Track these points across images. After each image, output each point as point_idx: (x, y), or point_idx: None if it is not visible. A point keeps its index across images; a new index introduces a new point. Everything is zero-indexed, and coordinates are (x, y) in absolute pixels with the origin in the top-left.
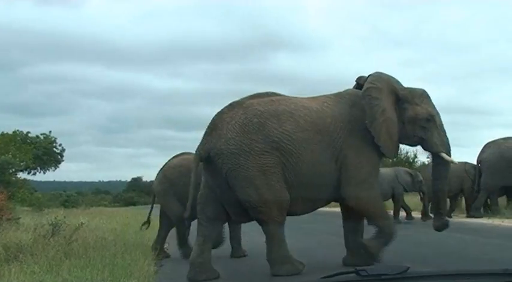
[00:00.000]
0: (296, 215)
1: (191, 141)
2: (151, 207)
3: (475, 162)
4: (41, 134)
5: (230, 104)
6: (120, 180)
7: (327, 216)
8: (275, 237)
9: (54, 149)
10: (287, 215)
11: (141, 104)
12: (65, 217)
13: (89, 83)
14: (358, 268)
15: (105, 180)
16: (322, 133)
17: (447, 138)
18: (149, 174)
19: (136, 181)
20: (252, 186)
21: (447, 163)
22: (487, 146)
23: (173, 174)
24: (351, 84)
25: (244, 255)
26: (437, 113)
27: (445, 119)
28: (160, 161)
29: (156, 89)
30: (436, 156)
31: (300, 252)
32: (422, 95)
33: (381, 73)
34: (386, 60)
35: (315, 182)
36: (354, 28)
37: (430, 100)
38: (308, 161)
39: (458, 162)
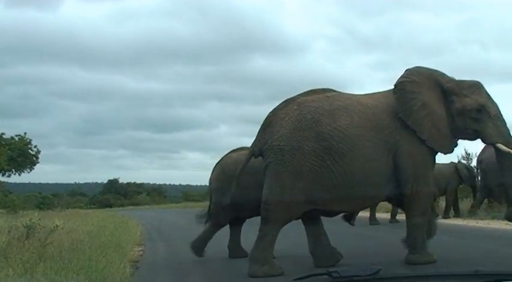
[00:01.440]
0: (348, 211)
1: (167, 142)
2: (210, 204)
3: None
4: (16, 136)
5: (285, 101)
6: (96, 182)
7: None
8: (267, 237)
9: (30, 150)
10: (338, 212)
11: (116, 105)
12: (40, 219)
13: (64, 84)
14: (330, 270)
15: (81, 182)
16: (376, 129)
17: (506, 128)
18: (126, 176)
19: (113, 183)
20: (278, 184)
21: (507, 154)
22: (488, 146)
23: (233, 170)
24: (327, 86)
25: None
26: (493, 103)
27: None
28: (136, 162)
29: (132, 90)
30: (495, 148)
31: (275, 252)
32: (473, 86)
33: (420, 67)
34: (359, 63)
35: (369, 180)
36: (328, 31)
37: (482, 90)
38: (360, 158)
39: (449, 163)
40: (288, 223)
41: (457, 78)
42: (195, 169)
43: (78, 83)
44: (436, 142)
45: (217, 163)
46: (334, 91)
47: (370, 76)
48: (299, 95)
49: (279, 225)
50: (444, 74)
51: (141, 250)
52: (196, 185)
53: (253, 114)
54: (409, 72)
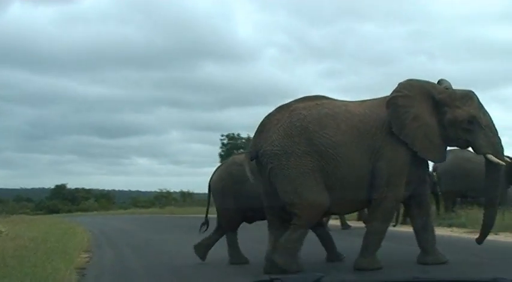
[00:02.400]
0: (339, 214)
1: (116, 148)
2: (208, 207)
3: None
4: None
5: (279, 107)
6: (43, 188)
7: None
8: (294, 237)
9: None
10: (328, 215)
11: (64, 109)
12: None
13: (10, 88)
14: (272, 277)
15: (28, 187)
16: (363, 136)
17: (497, 138)
18: (74, 182)
19: (60, 188)
20: (291, 186)
21: (497, 165)
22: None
23: (239, 170)
24: (277, 93)
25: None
26: (484, 113)
27: None
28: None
29: (80, 94)
30: (485, 159)
31: (223, 259)
32: (465, 97)
33: (411, 80)
34: (309, 71)
35: (355, 184)
36: (279, 39)
37: (474, 101)
38: (347, 164)
39: None
40: (317, 218)
41: None
42: (144, 175)
43: (24, 86)
44: (428, 153)
45: (220, 166)
46: (327, 98)
47: (320, 85)
48: (292, 101)
49: (308, 222)
50: (436, 84)
51: (88, 257)
52: (146, 191)
53: (204, 121)
54: (401, 87)
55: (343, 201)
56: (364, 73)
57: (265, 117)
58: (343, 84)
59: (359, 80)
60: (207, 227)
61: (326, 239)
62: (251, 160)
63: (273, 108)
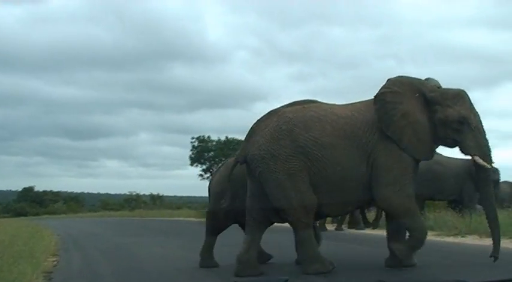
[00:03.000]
0: (329, 216)
1: (85, 150)
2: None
3: None
4: None
5: (269, 112)
6: (10, 190)
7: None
8: (303, 238)
9: None
10: (319, 217)
11: (32, 111)
12: None
13: None
14: (235, 280)
15: None
16: (350, 138)
17: (485, 141)
18: (42, 184)
19: (28, 191)
20: (280, 189)
21: (484, 168)
22: None
23: (240, 172)
24: (248, 96)
25: None
26: (475, 114)
27: None
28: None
29: (48, 96)
30: (473, 160)
31: (191, 263)
32: (457, 96)
33: (402, 77)
34: (279, 74)
35: (343, 186)
36: (249, 42)
37: (466, 101)
38: (335, 166)
39: None
40: (312, 218)
41: (373, 92)
42: (114, 177)
43: None
44: (415, 150)
45: (220, 166)
46: (316, 102)
47: (289, 87)
48: (281, 106)
49: (305, 224)
50: (427, 82)
51: (55, 260)
52: (115, 194)
53: (174, 123)
54: (390, 83)
55: (333, 203)
56: (333, 76)
57: (255, 122)
58: (313, 87)
59: (328, 83)
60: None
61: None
62: (240, 164)
63: (243, 111)
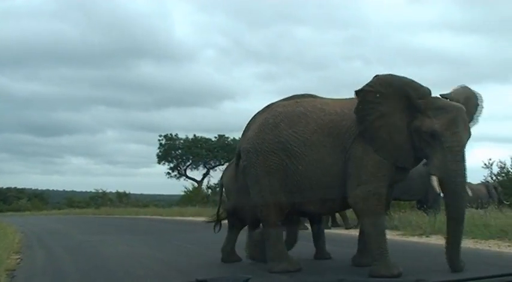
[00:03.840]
0: (313, 214)
1: (50, 147)
2: (219, 207)
3: None
4: None
5: (266, 106)
6: None
7: (192, 226)
8: (270, 237)
9: None
10: (302, 214)
11: None
12: None
13: None
14: (198, 278)
15: None
16: (333, 136)
17: (456, 165)
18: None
19: None
20: (257, 186)
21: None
22: None
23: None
24: (215, 95)
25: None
26: (456, 134)
27: None
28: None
29: (12, 92)
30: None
31: (156, 261)
32: (442, 109)
33: (392, 76)
34: (247, 73)
35: (324, 184)
36: (217, 41)
37: (450, 117)
38: (315, 163)
39: None
40: (281, 218)
41: (340, 93)
42: (79, 175)
43: None
44: (389, 155)
45: (231, 162)
46: (313, 97)
47: (257, 87)
48: (278, 100)
49: (273, 223)
50: (421, 87)
51: (19, 258)
52: (81, 191)
53: (141, 120)
54: (376, 81)
55: (316, 201)
56: (300, 77)
57: (253, 116)
58: (280, 87)
59: (295, 83)
60: (220, 228)
61: (318, 237)
62: (236, 158)
63: (211, 110)
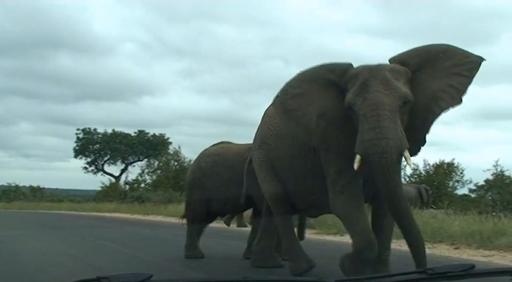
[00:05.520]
0: (306, 213)
1: None
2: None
3: None
4: None
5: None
6: None
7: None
8: (280, 226)
9: None
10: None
11: None
12: None
13: None
14: (99, 276)
15: None
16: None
17: (374, 135)
18: None
19: None
20: (260, 178)
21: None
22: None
23: (208, 163)
24: (134, 89)
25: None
26: (366, 99)
27: (222, 130)
28: None
29: None
30: None
31: (69, 257)
32: (356, 77)
33: (302, 72)
34: (167, 69)
35: (299, 181)
36: (137, 35)
37: (360, 81)
38: (287, 158)
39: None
40: (284, 207)
41: (261, 92)
42: None
43: None
44: (350, 152)
45: (195, 159)
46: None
47: (178, 83)
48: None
49: (278, 212)
50: (339, 65)
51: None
52: None
53: (58, 113)
54: (288, 86)
55: (298, 198)
56: (220, 74)
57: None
58: (200, 84)
59: (215, 80)
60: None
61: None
62: None
63: (130, 105)
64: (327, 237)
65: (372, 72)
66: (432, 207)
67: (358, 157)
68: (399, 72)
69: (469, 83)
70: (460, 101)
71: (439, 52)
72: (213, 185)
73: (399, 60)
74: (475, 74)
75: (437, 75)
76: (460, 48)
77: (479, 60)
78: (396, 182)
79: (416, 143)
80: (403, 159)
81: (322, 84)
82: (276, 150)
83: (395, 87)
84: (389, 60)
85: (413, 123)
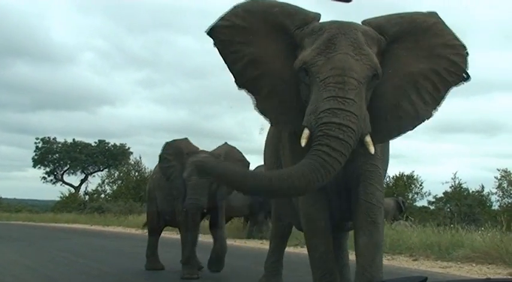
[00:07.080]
0: None
1: None
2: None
3: None
4: None
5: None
6: None
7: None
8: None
9: None
10: None
11: None
12: None
13: None
14: None
15: None
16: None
17: (335, 104)
18: None
19: None
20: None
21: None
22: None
23: (159, 174)
24: (94, 99)
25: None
26: (330, 59)
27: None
28: None
29: None
30: None
31: (24, 268)
32: (317, 32)
33: (254, 1)
34: (127, 79)
35: None
36: (96, 44)
37: (325, 39)
38: (268, 161)
39: None
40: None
41: (220, 103)
42: None
43: None
44: (281, 120)
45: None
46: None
47: (138, 93)
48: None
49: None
50: (300, 12)
51: None
52: None
53: (15, 122)
54: (231, 11)
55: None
56: (180, 84)
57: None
58: (160, 94)
59: (176, 91)
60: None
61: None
62: None
63: (90, 114)
64: (288, 249)
65: (341, 29)
66: (407, 219)
67: (306, 132)
68: (372, 39)
69: (461, 74)
70: (442, 98)
71: (427, 25)
72: (163, 197)
73: (376, 25)
74: (467, 67)
75: (419, 54)
76: (448, 27)
77: (467, 50)
78: (340, 164)
79: (377, 134)
80: (362, 145)
81: (271, 27)
82: (267, 162)
83: (368, 53)
84: (362, 22)
85: (375, 108)
